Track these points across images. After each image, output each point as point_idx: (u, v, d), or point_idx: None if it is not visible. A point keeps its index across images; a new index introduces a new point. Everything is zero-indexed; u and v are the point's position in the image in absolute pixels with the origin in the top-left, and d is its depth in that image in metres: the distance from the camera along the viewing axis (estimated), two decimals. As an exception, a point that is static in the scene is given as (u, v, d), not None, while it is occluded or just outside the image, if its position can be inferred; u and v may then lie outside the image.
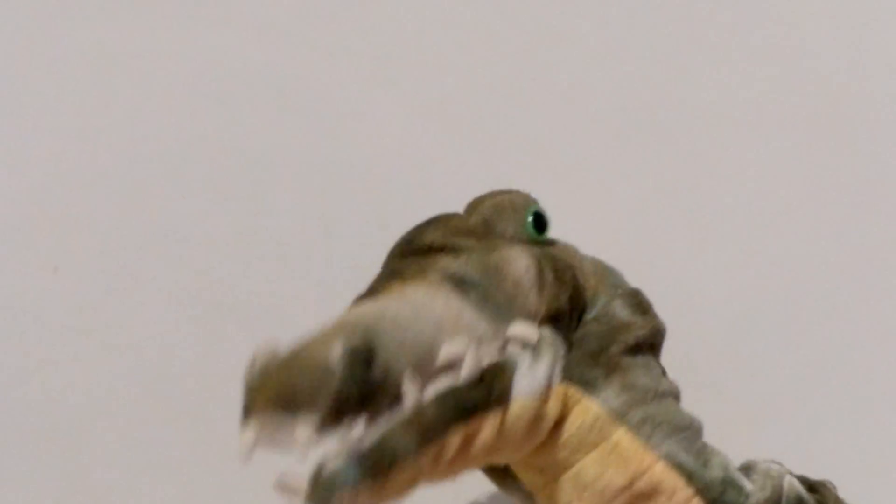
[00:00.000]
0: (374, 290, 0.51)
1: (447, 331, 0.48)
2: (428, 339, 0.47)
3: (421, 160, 0.82)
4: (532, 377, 0.51)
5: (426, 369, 0.47)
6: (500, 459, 0.54)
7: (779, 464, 0.59)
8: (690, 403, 0.58)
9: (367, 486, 0.44)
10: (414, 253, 0.54)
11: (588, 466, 0.53)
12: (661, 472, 0.53)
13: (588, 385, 0.53)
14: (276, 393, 0.42)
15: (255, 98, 0.81)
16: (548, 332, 0.52)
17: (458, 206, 0.57)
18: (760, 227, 0.85)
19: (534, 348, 0.51)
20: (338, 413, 0.43)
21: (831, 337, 0.84)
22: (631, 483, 0.53)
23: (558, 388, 0.52)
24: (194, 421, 0.77)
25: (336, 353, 0.43)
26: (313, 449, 0.43)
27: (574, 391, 0.53)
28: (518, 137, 0.83)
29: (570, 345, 0.54)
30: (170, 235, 0.79)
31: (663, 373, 0.58)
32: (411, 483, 0.47)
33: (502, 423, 0.50)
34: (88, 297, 0.78)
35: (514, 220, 0.55)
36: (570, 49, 0.85)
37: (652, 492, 0.53)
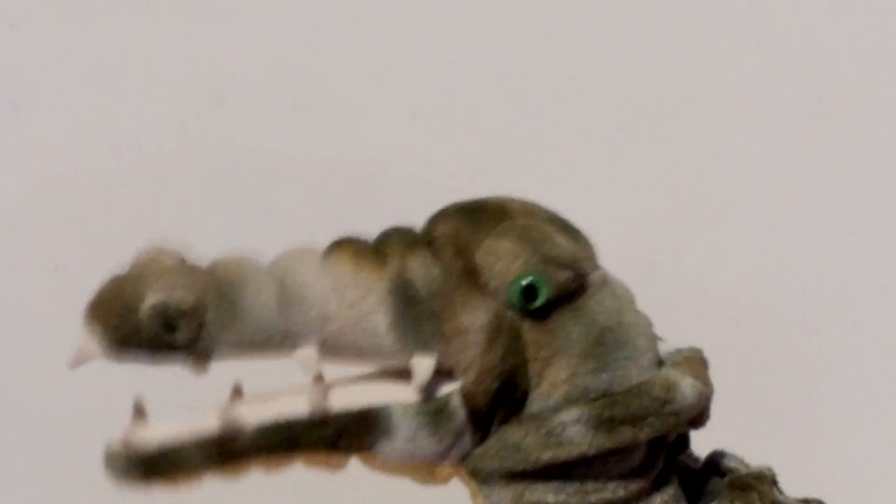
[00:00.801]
0: (338, 246, 0.48)
1: (312, 334, 0.46)
2: (283, 328, 0.46)
3: (423, 159, 0.82)
4: (409, 447, 0.46)
5: (272, 346, 0.47)
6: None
7: None
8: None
9: (144, 482, 0.47)
10: (410, 236, 0.50)
11: None
12: None
13: (484, 481, 0.48)
14: (96, 311, 0.46)
15: (256, 98, 0.81)
16: (459, 409, 0.47)
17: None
18: (761, 226, 0.85)
19: (431, 416, 0.46)
20: (134, 348, 0.46)
21: (835, 337, 0.84)
22: None
23: (449, 468, 0.48)
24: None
25: (148, 304, 0.45)
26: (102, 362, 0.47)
27: (469, 476, 0.49)
28: (519, 137, 0.83)
29: (486, 432, 0.48)
30: (170, 235, 0.79)
31: (632, 474, 0.50)
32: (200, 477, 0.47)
33: (368, 461, 0.47)
34: (88, 297, 0.78)
35: (500, 278, 0.47)
36: (571, 48, 0.85)
37: None
